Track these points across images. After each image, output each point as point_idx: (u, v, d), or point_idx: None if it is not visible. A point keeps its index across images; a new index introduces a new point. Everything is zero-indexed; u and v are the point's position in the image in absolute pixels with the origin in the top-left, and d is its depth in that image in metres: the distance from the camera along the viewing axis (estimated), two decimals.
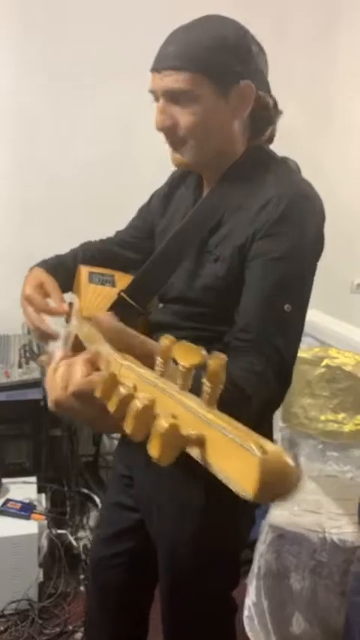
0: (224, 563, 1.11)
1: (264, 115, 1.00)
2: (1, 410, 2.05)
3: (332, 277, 2.67)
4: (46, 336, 1.10)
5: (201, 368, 0.45)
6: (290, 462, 0.39)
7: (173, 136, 0.95)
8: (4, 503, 1.95)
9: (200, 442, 0.41)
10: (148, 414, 0.45)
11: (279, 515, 1.76)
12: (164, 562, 1.13)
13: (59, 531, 2.07)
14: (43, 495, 2.08)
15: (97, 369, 0.60)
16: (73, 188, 2.38)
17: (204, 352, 0.45)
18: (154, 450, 0.42)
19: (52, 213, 2.37)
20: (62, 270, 1.18)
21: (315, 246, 0.96)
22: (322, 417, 2.02)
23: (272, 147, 1.07)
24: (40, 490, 2.08)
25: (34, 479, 2.12)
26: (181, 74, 0.89)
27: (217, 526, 1.05)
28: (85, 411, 0.58)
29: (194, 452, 0.42)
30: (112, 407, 0.48)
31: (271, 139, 1.06)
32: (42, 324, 1.06)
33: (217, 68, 0.90)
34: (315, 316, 2.40)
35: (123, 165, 2.37)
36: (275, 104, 1.01)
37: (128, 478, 1.19)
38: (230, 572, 1.15)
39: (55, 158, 2.38)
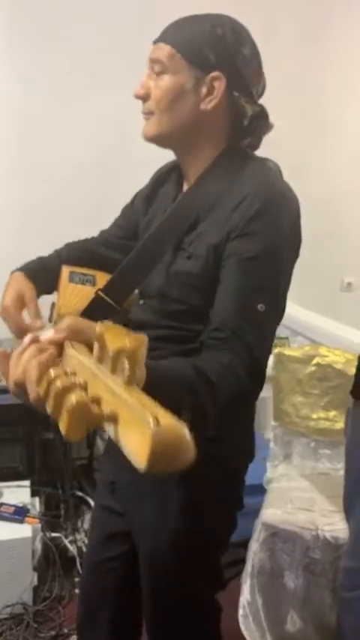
0: (204, 566, 1.11)
1: (241, 121, 1.00)
2: None
3: (322, 276, 2.70)
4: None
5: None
6: (184, 434, 0.40)
7: (145, 106, 1.01)
8: None
9: (114, 419, 0.42)
10: (64, 395, 0.46)
11: (272, 513, 1.77)
12: (145, 564, 1.12)
13: (53, 534, 2.07)
14: (36, 499, 2.08)
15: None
16: (69, 189, 2.39)
17: (128, 338, 0.47)
18: (62, 425, 0.43)
19: (48, 214, 2.37)
20: (44, 274, 1.18)
21: (290, 245, 0.97)
22: (314, 415, 2.03)
23: (261, 150, 1.08)
24: (33, 494, 2.09)
25: (27, 482, 2.12)
26: (164, 47, 0.97)
27: (197, 528, 1.05)
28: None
29: (110, 430, 0.43)
30: (41, 390, 0.51)
31: (253, 147, 1.06)
32: (21, 337, 1.08)
33: (193, 51, 0.95)
34: (305, 315, 2.41)
35: (119, 166, 2.37)
36: (260, 115, 1.02)
37: (113, 483, 1.19)
38: (211, 575, 1.14)
39: (51, 160, 2.39)
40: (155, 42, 1.00)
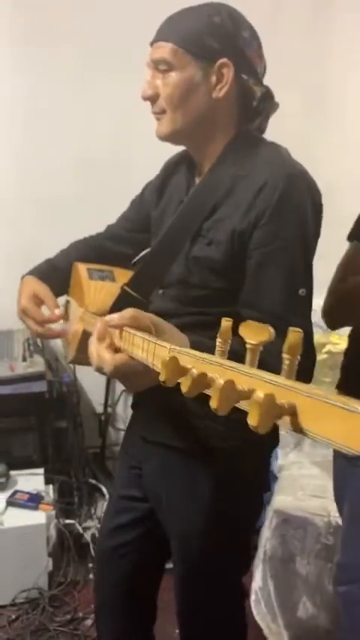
0: (236, 549, 1.13)
1: (250, 103, 1.02)
2: (7, 403, 2.07)
3: (332, 264, 2.68)
4: (55, 337, 1.17)
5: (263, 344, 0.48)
6: None
7: (155, 106, 1.01)
8: (13, 495, 1.98)
9: (292, 411, 0.42)
10: (231, 388, 0.47)
11: (283, 499, 1.79)
12: (177, 551, 1.14)
13: (67, 521, 2.10)
14: (50, 487, 2.11)
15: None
16: (74, 183, 2.39)
17: (271, 329, 0.48)
18: (252, 419, 0.43)
19: (53, 208, 2.37)
20: (55, 275, 1.21)
21: (316, 224, 0.98)
22: None
23: (266, 132, 1.08)
24: (47, 481, 2.11)
25: (41, 471, 2.15)
26: (165, 46, 0.97)
27: (227, 510, 1.07)
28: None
29: (285, 421, 0.43)
30: (184, 387, 0.52)
31: (261, 130, 1.07)
32: (47, 332, 1.15)
33: (196, 43, 0.96)
34: (316, 303, 2.41)
35: (124, 161, 2.36)
36: (266, 95, 1.03)
37: (137, 469, 1.20)
38: (242, 558, 1.17)
39: (56, 154, 2.39)
40: (153, 42, 0.99)
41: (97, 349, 0.76)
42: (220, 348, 0.53)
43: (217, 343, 0.53)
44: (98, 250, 1.25)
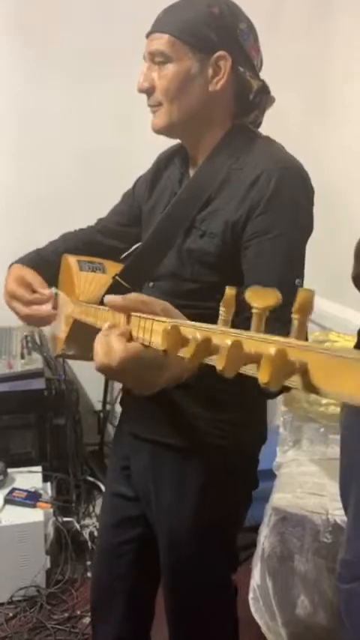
0: (222, 543, 1.13)
1: (247, 96, 1.01)
2: (5, 400, 2.07)
3: (332, 262, 2.68)
4: (44, 320, 1.11)
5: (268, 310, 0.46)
6: None
7: (151, 99, 1.00)
8: (10, 492, 1.97)
9: (303, 369, 0.41)
10: (239, 348, 0.44)
11: (282, 497, 1.78)
12: (164, 547, 1.14)
13: (65, 519, 2.10)
14: (48, 484, 2.10)
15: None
16: (73, 181, 2.38)
17: (277, 293, 0.47)
18: (264, 375, 0.41)
19: (51, 205, 2.37)
20: (43, 265, 1.19)
21: (309, 215, 0.98)
22: (324, 401, 2.03)
23: (267, 132, 1.07)
24: (45, 479, 2.11)
25: (39, 468, 2.14)
26: (162, 37, 0.96)
27: (215, 506, 1.07)
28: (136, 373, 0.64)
29: (295, 380, 0.41)
30: (187, 353, 0.48)
31: (257, 124, 1.07)
32: (35, 312, 1.09)
33: (194, 34, 0.95)
34: (315, 301, 2.40)
35: (124, 158, 2.35)
36: (262, 89, 1.02)
37: (126, 469, 1.20)
38: (228, 552, 1.16)
39: (54, 152, 2.38)
40: (149, 34, 0.99)
41: (105, 338, 0.65)
42: (223, 317, 0.50)
43: (221, 312, 0.51)
44: (88, 243, 1.24)
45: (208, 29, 0.95)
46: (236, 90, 1.00)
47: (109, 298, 0.66)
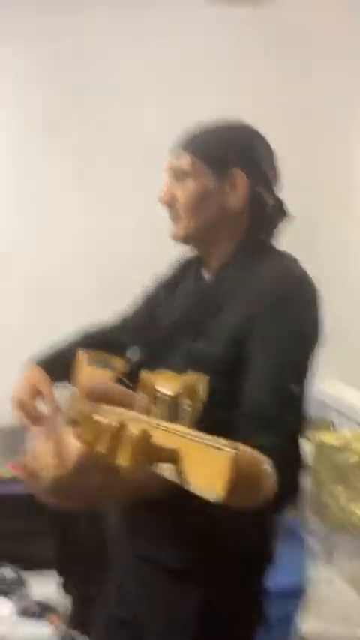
0: None
1: (261, 213, 1.06)
2: (23, 502, 2.00)
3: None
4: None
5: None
6: (263, 460, 0.38)
7: (171, 210, 1.08)
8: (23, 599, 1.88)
9: (174, 457, 0.41)
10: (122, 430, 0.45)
11: (312, 627, 1.61)
12: None
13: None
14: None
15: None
16: (80, 264, 2.42)
17: (182, 380, 0.48)
18: (123, 458, 0.41)
19: (62, 288, 2.40)
20: (60, 364, 1.20)
21: (315, 326, 0.99)
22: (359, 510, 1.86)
23: None
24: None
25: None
26: (185, 156, 1.05)
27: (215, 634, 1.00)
28: (91, 479, 0.61)
29: (166, 469, 0.41)
30: (102, 447, 0.47)
31: (270, 236, 1.10)
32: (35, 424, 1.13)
33: (213, 155, 1.03)
34: (353, 396, 2.25)
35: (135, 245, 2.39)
36: (278, 206, 1.08)
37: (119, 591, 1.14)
38: None
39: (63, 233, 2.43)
40: (175, 150, 1.07)
41: (59, 436, 0.64)
42: (144, 404, 0.52)
43: (140, 398, 0.53)
44: (111, 346, 1.23)
45: (225, 149, 1.03)
46: (251, 206, 1.05)
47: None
